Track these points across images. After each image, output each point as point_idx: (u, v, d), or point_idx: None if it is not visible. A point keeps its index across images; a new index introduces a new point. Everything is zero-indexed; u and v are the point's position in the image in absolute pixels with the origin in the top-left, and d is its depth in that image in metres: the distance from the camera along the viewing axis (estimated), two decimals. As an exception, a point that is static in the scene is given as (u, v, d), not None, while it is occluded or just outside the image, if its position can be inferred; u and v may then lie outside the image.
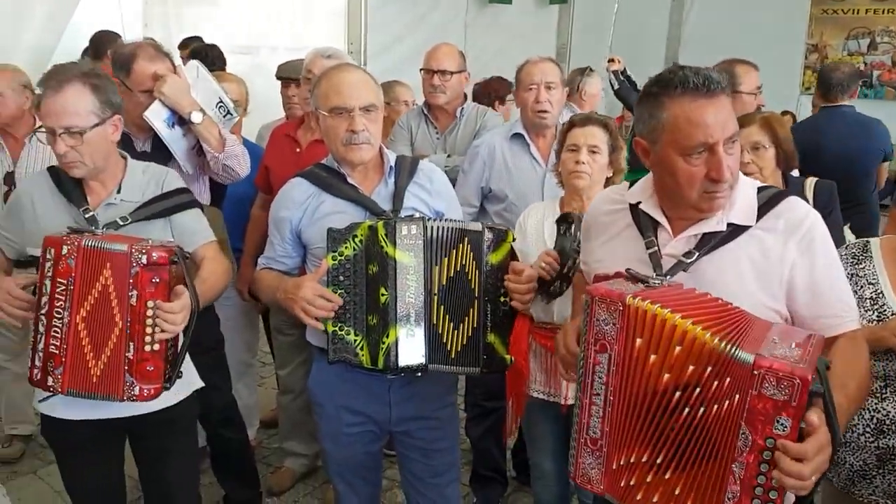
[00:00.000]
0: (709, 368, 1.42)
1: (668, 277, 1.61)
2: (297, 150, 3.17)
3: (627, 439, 1.53)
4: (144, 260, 1.86)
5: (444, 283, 2.05)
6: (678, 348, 1.44)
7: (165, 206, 2.14)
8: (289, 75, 3.63)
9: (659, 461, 1.49)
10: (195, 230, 2.19)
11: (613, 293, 1.51)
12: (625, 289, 1.53)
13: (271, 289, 2.19)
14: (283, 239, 2.26)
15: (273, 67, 3.99)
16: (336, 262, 2.04)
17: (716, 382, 1.41)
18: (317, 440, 3.34)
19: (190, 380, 2.25)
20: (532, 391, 2.50)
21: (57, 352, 1.92)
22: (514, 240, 2.16)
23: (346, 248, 2.04)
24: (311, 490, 3.44)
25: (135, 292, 1.88)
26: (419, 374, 2.08)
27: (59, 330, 1.91)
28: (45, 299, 1.91)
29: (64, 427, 2.13)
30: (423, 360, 2.02)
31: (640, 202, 1.75)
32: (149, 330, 1.89)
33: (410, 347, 2.01)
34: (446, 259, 2.05)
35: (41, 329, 1.92)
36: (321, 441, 2.38)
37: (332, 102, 2.11)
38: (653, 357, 1.47)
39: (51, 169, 2.14)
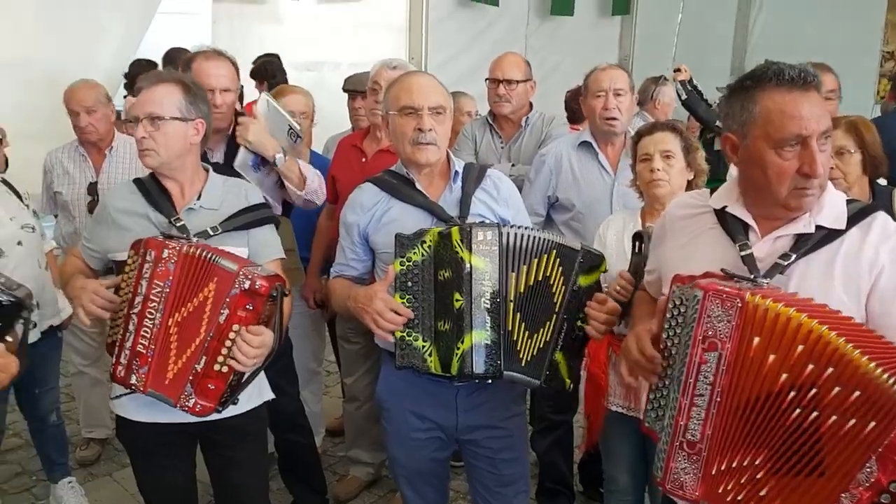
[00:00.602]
0: (829, 370, 1.36)
1: (766, 280, 1.56)
2: (363, 159, 3.20)
3: (732, 442, 1.47)
4: (247, 285, 1.90)
5: (523, 290, 2.01)
6: (800, 347, 1.38)
7: (250, 219, 2.18)
8: (355, 88, 3.68)
9: (757, 462, 1.43)
10: (269, 244, 2.23)
11: (730, 289, 1.46)
12: (738, 286, 1.48)
13: (342, 297, 2.21)
14: (352, 243, 2.28)
15: (336, 83, 4.06)
16: (404, 267, 2.04)
17: (837, 388, 1.36)
18: (383, 447, 3.35)
19: (261, 390, 2.28)
20: (610, 404, 2.46)
21: (144, 351, 1.95)
22: (605, 270, 2.13)
23: (414, 253, 2.04)
24: (376, 499, 3.44)
25: (226, 312, 1.91)
26: (489, 381, 2.05)
27: (148, 330, 1.95)
28: (138, 299, 1.95)
29: (137, 429, 2.18)
30: (498, 368, 1.98)
31: (725, 206, 1.71)
32: (224, 351, 1.92)
33: (486, 354, 1.97)
34: (525, 267, 2.01)
35: (131, 328, 1.96)
36: (389, 446, 2.37)
37: (402, 102, 2.14)
38: (772, 357, 1.41)
39: (136, 180, 2.20)
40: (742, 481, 1.45)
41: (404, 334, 2.04)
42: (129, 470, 3.43)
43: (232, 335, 1.91)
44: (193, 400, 1.95)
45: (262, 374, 2.26)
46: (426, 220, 2.15)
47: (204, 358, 1.93)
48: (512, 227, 2.04)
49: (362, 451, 3.46)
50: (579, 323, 2.08)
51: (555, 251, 2.04)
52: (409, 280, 2.04)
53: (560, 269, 2.04)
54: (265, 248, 2.21)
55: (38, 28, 4.52)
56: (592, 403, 2.64)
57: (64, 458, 3.29)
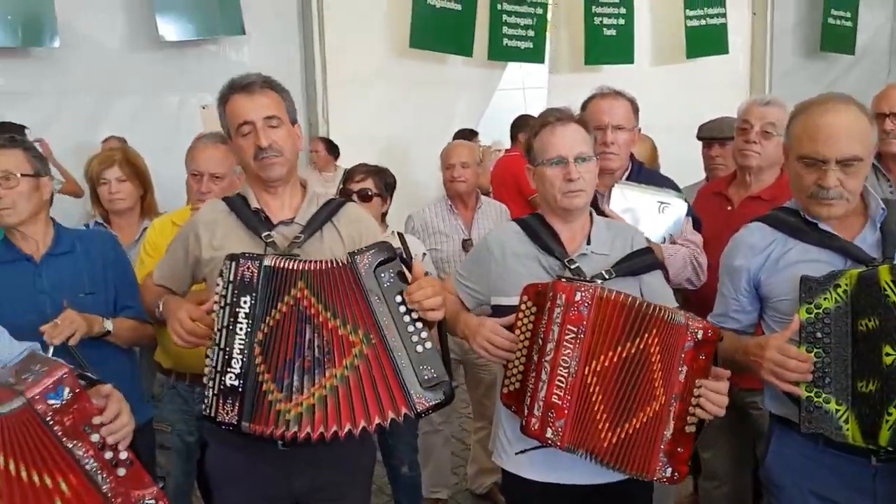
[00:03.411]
0: None
1: None
2: (729, 207, 2.92)
3: None
4: (700, 335, 1.79)
5: None
6: None
7: (641, 264, 2.06)
8: (712, 135, 3.45)
9: None
10: (663, 292, 2.08)
11: None
12: None
13: (728, 351, 1.95)
14: (737, 291, 2.03)
15: (670, 144, 3.88)
16: (811, 315, 1.75)
17: None
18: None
19: None
20: None
21: (560, 402, 1.82)
22: None
23: (824, 299, 1.75)
24: None
25: (684, 368, 1.80)
26: None
27: (563, 380, 1.82)
28: (550, 345, 1.83)
29: (529, 489, 2.05)
30: None
31: None
32: (691, 409, 1.81)
33: None
34: None
35: (543, 377, 1.84)
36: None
37: (805, 150, 1.86)
38: None
39: (519, 221, 2.16)
40: None
41: (812, 395, 1.74)
42: (473, 528, 3.47)
43: (695, 391, 1.79)
44: (669, 469, 1.84)
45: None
46: (838, 264, 1.84)
47: (672, 424, 1.81)
48: None
49: (722, 537, 3.07)
50: None
51: None
52: (819, 331, 1.75)
53: None
54: (659, 296, 2.03)
55: (405, 107, 5.06)
56: None
57: (415, 506, 3.36)
